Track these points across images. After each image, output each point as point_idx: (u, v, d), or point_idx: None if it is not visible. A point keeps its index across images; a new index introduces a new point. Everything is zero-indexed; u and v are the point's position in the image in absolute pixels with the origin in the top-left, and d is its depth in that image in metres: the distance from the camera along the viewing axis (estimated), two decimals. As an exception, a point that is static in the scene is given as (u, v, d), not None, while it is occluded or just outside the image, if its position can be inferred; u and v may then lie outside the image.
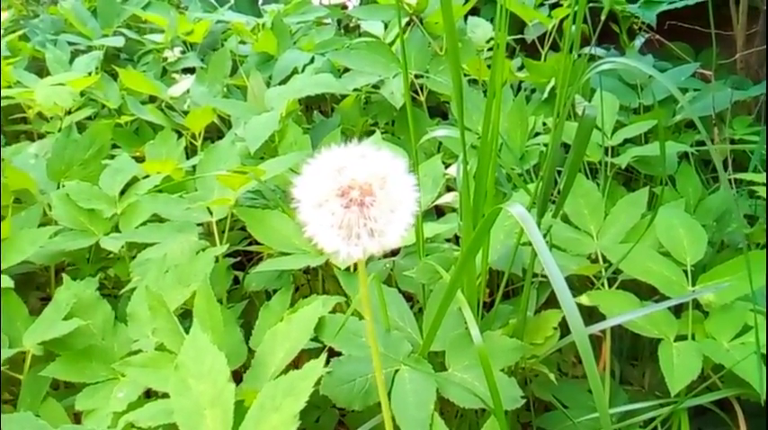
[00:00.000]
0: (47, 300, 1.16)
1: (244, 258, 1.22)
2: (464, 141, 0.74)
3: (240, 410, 0.67)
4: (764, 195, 1.05)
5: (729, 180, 1.14)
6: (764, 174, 1.09)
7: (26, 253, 0.96)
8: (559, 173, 0.99)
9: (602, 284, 0.96)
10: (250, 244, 1.12)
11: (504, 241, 0.91)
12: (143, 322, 0.87)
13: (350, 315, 0.79)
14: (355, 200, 0.49)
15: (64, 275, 0.95)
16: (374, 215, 0.49)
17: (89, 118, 1.40)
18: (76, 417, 0.86)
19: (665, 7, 1.44)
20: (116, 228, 1.08)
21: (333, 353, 0.78)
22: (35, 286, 1.17)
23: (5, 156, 1.25)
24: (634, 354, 1.08)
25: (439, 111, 1.46)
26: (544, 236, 0.90)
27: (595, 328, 0.80)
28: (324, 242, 0.50)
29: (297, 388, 0.66)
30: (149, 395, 0.83)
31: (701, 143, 1.29)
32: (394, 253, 0.98)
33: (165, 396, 0.76)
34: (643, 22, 1.53)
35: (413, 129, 0.82)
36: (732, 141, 1.32)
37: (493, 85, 0.74)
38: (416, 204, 0.51)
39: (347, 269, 0.92)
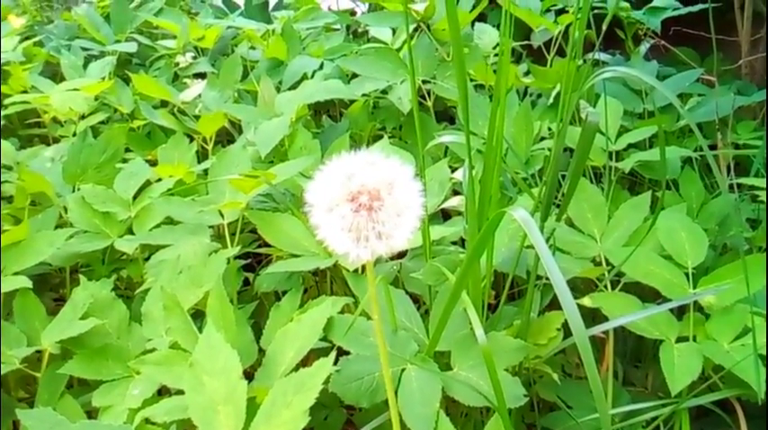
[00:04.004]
0: (60, 300, 1.19)
1: (253, 260, 1.24)
2: (469, 146, 0.76)
3: (252, 407, 0.69)
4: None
5: (732, 184, 1.15)
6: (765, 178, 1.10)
7: (44, 254, 0.99)
8: (563, 177, 1.01)
9: (605, 287, 0.97)
10: (260, 246, 1.14)
11: (509, 244, 0.93)
12: (157, 321, 0.89)
13: (358, 315, 0.81)
14: (364, 204, 0.51)
15: (80, 276, 0.97)
16: (382, 219, 0.52)
17: (102, 122, 1.43)
18: (90, 415, 0.88)
19: (669, 14, 1.45)
20: (130, 231, 1.10)
21: (341, 353, 0.80)
22: (50, 287, 1.20)
23: (21, 160, 1.27)
24: (638, 356, 1.10)
25: (446, 116, 1.48)
26: (547, 239, 0.91)
27: (597, 330, 0.81)
28: (334, 244, 0.52)
29: (306, 385, 0.69)
30: (161, 393, 0.85)
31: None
32: (401, 255, 1.00)
33: (179, 393, 0.79)
34: (648, 28, 1.55)
35: (420, 135, 0.84)
36: (736, 146, 1.33)
37: (498, 91, 0.76)
38: (422, 209, 0.53)
39: (355, 271, 0.94)
